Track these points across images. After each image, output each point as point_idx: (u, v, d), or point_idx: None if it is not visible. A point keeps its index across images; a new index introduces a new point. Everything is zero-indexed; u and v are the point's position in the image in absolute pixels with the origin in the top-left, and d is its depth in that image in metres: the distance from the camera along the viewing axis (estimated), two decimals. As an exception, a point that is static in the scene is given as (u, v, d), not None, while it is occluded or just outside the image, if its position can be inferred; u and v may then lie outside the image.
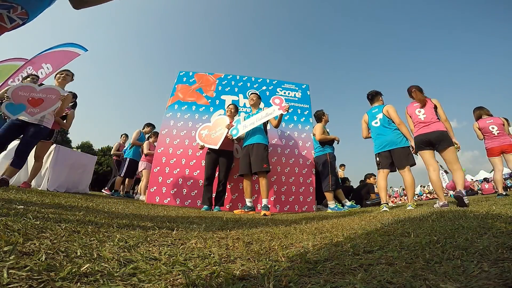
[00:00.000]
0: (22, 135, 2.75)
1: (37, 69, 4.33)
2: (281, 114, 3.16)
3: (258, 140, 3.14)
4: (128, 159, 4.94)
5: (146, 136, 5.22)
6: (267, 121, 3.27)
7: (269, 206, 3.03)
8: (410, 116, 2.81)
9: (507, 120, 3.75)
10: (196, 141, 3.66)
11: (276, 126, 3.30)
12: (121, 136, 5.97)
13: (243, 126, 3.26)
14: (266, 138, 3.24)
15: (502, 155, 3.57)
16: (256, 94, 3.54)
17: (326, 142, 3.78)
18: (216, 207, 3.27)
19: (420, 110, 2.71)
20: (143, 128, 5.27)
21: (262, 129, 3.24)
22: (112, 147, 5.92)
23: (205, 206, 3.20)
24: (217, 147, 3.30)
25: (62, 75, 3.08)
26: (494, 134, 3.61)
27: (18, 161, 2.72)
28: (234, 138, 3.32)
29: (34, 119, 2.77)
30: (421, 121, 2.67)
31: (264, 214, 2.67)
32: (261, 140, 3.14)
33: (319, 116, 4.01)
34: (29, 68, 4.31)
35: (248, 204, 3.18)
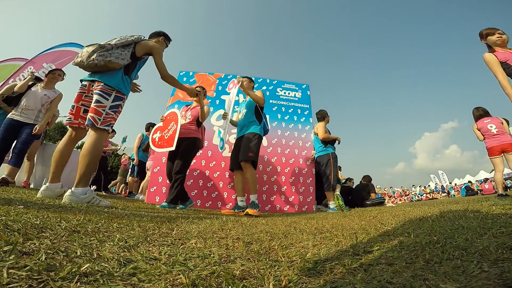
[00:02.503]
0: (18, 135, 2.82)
1: (38, 68, 4.35)
2: (244, 90, 2.91)
3: (250, 131, 2.81)
4: (139, 162, 5.14)
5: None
6: (262, 112, 2.97)
7: (259, 204, 2.65)
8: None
9: (506, 120, 3.76)
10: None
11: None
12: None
13: (223, 129, 3.00)
14: (258, 128, 2.86)
15: (503, 154, 3.57)
16: (248, 77, 3.16)
17: (329, 142, 3.79)
18: (181, 206, 2.89)
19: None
20: (147, 130, 5.23)
21: (255, 120, 2.90)
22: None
23: (164, 203, 2.75)
24: (173, 148, 2.79)
25: (53, 75, 3.11)
26: (493, 132, 3.61)
27: (18, 159, 2.77)
28: (225, 140, 3.03)
29: (30, 119, 2.83)
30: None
31: (247, 213, 2.29)
32: (252, 130, 2.81)
33: (323, 116, 4.01)
34: (30, 68, 4.32)
35: (240, 203, 2.77)
